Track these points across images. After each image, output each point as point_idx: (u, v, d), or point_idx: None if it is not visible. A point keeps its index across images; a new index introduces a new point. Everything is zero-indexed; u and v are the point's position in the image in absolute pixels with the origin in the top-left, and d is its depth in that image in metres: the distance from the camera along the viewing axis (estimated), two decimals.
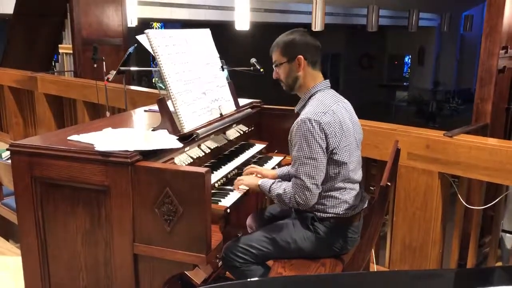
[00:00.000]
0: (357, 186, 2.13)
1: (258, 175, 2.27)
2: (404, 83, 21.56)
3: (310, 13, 9.41)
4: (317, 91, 2.09)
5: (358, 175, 2.13)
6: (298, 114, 2.10)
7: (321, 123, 1.95)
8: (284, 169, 2.36)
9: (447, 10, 15.53)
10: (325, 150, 1.97)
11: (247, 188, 2.14)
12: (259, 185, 2.12)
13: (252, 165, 2.35)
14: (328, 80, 2.14)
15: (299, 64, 2.07)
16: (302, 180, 1.96)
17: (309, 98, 2.09)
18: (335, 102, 2.07)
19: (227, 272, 2.60)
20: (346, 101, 2.15)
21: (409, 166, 2.79)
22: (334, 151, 1.99)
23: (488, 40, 3.59)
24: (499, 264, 3.36)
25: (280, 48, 2.11)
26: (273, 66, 2.15)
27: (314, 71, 2.10)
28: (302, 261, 2.10)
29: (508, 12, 3.56)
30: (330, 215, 2.06)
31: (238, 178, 2.18)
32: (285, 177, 2.30)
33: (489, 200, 2.83)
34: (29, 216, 1.95)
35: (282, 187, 2.04)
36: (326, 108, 2.00)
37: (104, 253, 1.88)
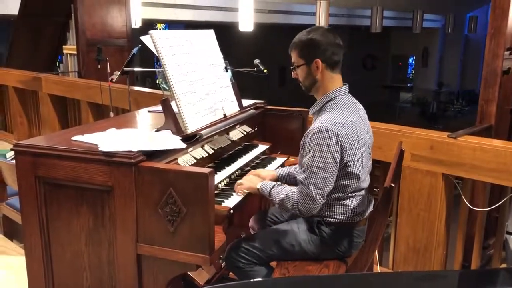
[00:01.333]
0: (364, 192, 2.11)
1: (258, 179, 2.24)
2: (408, 84, 21.51)
3: (314, 14, 9.41)
4: (336, 96, 2.01)
5: (366, 183, 2.11)
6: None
7: (339, 135, 1.89)
8: (284, 170, 2.32)
9: (451, 11, 15.48)
10: (338, 162, 1.91)
11: (247, 191, 2.11)
12: (258, 188, 2.08)
13: (251, 171, 2.31)
14: (347, 85, 2.06)
15: (317, 68, 1.99)
16: (309, 189, 1.91)
17: (327, 102, 2.02)
18: (353, 111, 2.00)
19: (230, 273, 2.60)
20: (361, 107, 2.09)
21: (413, 167, 2.78)
22: (348, 163, 1.94)
23: (492, 41, 3.58)
24: (504, 266, 3.35)
25: (298, 49, 2.02)
26: (291, 67, 2.08)
27: (333, 74, 2.02)
28: (305, 262, 2.10)
29: None
30: (337, 220, 2.05)
31: (238, 182, 2.12)
32: (285, 178, 2.28)
33: (494, 202, 2.82)
34: (33, 216, 1.96)
35: (284, 192, 1.99)
36: (345, 119, 1.93)
37: (108, 253, 1.89)
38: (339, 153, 1.91)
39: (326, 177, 1.91)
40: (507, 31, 3.53)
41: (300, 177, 1.97)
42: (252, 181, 2.12)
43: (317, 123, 1.95)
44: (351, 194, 2.04)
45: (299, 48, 2.02)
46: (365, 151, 2.02)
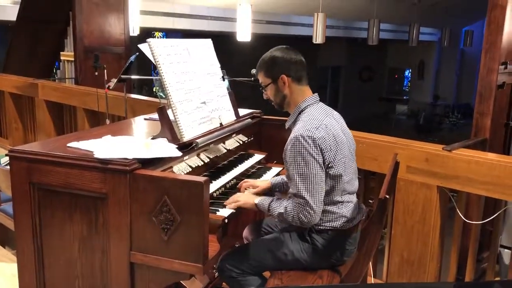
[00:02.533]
0: (354, 198, 2.12)
1: (251, 188, 2.25)
2: (404, 97, 21.62)
3: (311, 25, 9.47)
4: (307, 106, 2.07)
5: (354, 186, 2.13)
6: (289, 130, 2.09)
7: (315, 138, 1.93)
8: (278, 178, 2.35)
9: (447, 25, 15.62)
10: (321, 164, 1.95)
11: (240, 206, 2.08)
12: (256, 204, 2.08)
13: (244, 180, 2.33)
14: (316, 94, 2.13)
15: (284, 83, 2.06)
16: (304, 198, 1.93)
17: (299, 113, 2.08)
18: (326, 115, 2.05)
19: (223, 283, 2.58)
20: (335, 112, 2.14)
21: (408, 179, 2.78)
22: (330, 165, 1.97)
23: (487, 56, 3.61)
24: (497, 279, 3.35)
25: (263, 69, 2.10)
26: (260, 88, 2.14)
27: (301, 87, 2.09)
28: (299, 273, 2.09)
29: (507, 28, 3.59)
30: (328, 227, 2.05)
31: (233, 197, 2.10)
32: (279, 186, 2.30)
33: (488, 215, 2.83)
34: (26, 222, 1.94)
35: (283, 206, 2.00)
36: (318, 123, 1.98)
37: (101, 261, 1.88)
38: (320, 155, 1.94)
39: (316, 182, 1.93)
40: (502, 45, 3.56)
41: (292, 190, 1.99)
42: (249, 197, 2.13)
43: (292, 134, 1.99)
44: (339, 199, 2.04)
45: (264, 68, 2.10)
46: (345, 151, 2.04)
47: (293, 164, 1.95)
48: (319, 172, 1.94)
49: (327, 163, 1.97)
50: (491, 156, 2.70)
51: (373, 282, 2.94)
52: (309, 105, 2.07)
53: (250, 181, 2.29)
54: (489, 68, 3.57)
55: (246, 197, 2.12)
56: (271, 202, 2.05)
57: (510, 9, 3.55)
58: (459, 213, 2.78)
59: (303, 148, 1.92)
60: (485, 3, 3.56)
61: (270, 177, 2.53)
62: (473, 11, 14.86)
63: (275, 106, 2.16)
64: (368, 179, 3.18)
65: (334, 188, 2.02)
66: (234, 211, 2.05)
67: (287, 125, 2.15)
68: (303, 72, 2.10)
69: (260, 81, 2.13)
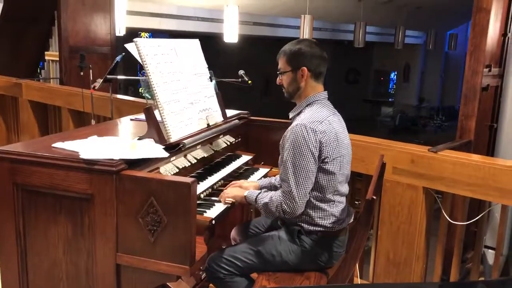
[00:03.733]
0: (344, 200, 2.14)
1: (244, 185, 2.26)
2: (390, 99, 21.80)
3: (298, 27, 9.51)
4: (315, 101, 2.09)
5: (345, 188, 2.14)
6: (289, 122, 2.10)
7: (317, 131, 1.95)
8: (266, 180, 2.37)
9: (432, 29, 15.81)
10: (316, 158, 1.97)
11: (232, 201, 2.13)
12: (245, 196, 2.11)
13: (233, 182, 2.32)
14: (326, 92, 2.15)
15: (302, 75, 2.07)
16: (289, 186, 1.96)
17: (306, 106, 2.09)
18: (331, 113, 2.08)
19: (210, 285, 2.57)
20: (339, 115, 2.16)
21: (394, 180, 2.80)
22: (326, 160, 1.99)
23: (472, 58, 3.66)
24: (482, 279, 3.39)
25: (286, 56, 2.10)
26: (278, 72, 2.14)
27: (316, 83, 2.11)
28: (286, 274, 2.09)
29: (491, 31, 3.64)
30: (318, 228, 2.06)
31: (224, 191, 2.15)
32: (268, 188, 2.31)
33: (472, 216, 2.86)
34: (10, 224, 1.91)
35: (269, 196, 2.04)
36: (323, 118, 2.01)
37: (86, 262, 1.85)
38: (317, 148, 1.96)
39: (305, 173, 1.95)
40: (486, 48, 3.61)
41: (281, 175, 2.01)
42: (238, 190, 2.17)
43: (295, 122, 2.02)
44: (331, 197, 2.05)
45: (287, 55, 2.10)
46: (343, 152, 2.05)
47: (289, 150, 1.97)
48: (311, 166, 1.96)
49: (323, 157, 1.98)
50: (476, 157, 2.73)
51: (359, 283, 2.95)
52: (317, 100, 2.09)
53: (239, 183, 2.29)
54: (474, 71, 3.62)
55: (236, 191, 2.16)
56: (258, 193, 2.09)
57: (494, 13, 3.60)
58: (445, 214, 2.81)
59: (302, 138, 1.94)
60: (470, 6, 3.60)
61: (257, 178, 2.53)
62: (457, 14, 15.06)
63: (285, 93, 2.16)
64: (355, 181, 3.19)
65: (327, 185, 2.03)
66: (222, 210, 2.04)
67: (291, 115, 2.16)
68: (323, 69, 2.11)
69: (279, 66, 2.13)
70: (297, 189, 1.95)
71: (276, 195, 2.02)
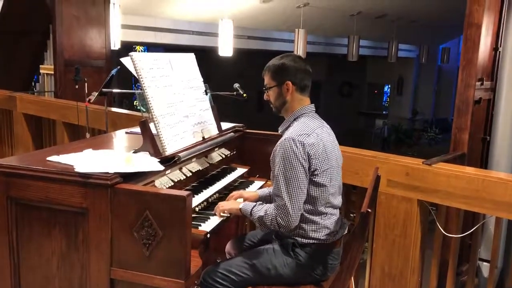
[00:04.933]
0: (337, 212, 2.14)
1: (239, 199, 2.26)
2: (384, 112, 21.93)
3: (292, 41, 9.59)
4: (302, 114, 2.12)
5: (338, 200, 2.15)
6: (280, 136, 2.13)
7: (305, 144, 1.97)
8: (266, 190, 2.38)
9: (425, 42, 15.99)
10: (307, 170, 1.98)
11: (229, 214, 2.13)
12: (240, 208, 2.11)
13: (233, 192, 2.34)
14: (313, 105, 2.18)
15: (288, 89, 2.11)
16: (283, 199, 1.96)
17: (294, 120, 2.12)
18: (319, 126, 2.10)
19: None
20: (328, 126, 2.19)
21: (389, 193, 2.81)
22: (315, 172, 2.00)
23: (464, 72, 3.70)
24: None
25: (270, 72, 2.15)
26: (264, 88, 2.18)
27: (302, 96, 2.14)
28: (281, 287, 2.08)
29: (483, 46, 3.69)
30: (311, 240, 2.06)
31: (218, 204, 2.15)
32: (267, 198, 2.31)
33: (467, 229, 2.87)
34: (3, 238, 1.89)
35: (264, 209, 2.04)
36: (310, 131, 2.03)
37: (80, 277, 1.83)
38: (307, 161, 1.98)
39: (298, 186, 1.96)
40: (478, 62, 3.65)
41: (274, 190, 2.03)
42: (233, 203, 2.18)
43: (283, 137, 2.04)
44: (323, 210, 2.06)
45: (272, 71, 2.15)
46: (332, 163, 2.07)
47: (279, 164, 1.99)
48: (303, 178, 1.97)
49: (312, 169, 2.00)
50: (470, 170, 2.75)
51: None
52: (304, 113, 2.12)
53: (239, 192, 2.31)
54: (466, 84, 3.65)
55: (231, 203, 2.17)
56: (253, 206, 2.09)
57: (486, 28, 3.65)
58: (439, 227, 2.81)
59: (291, 151, 1.96)
60: (462, 21, 3.65)
61: (253, 190, 2.52)
62: (450, 28, 15.25)
63: (273, 108, 2.20)
64: (350, 193, 3.20)
65: (319, 197, 2.04)
66: (217, 224, 2.04)
67: (280, 129, 2.19)
68: (308, 82, 2.15)
69: (264, 82, 2.18)
70: (291, 202, 1.96)
71: (270, 208, 2.02)
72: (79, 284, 1.84)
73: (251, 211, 2.07)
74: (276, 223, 1.98)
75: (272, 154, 2.08)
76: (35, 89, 6.43)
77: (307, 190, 2.01)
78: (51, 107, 4.88)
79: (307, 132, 2.02)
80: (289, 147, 1.97)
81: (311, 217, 2.05)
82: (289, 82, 2.10)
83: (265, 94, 2.19)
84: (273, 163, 2.07)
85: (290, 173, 1.96)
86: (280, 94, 2.13)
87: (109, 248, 1.76)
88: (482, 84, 3.75)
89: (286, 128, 2.13)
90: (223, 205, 2.14)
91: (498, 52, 3.93)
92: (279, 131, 2.20)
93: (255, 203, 2.13)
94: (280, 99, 2.14)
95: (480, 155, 4.08)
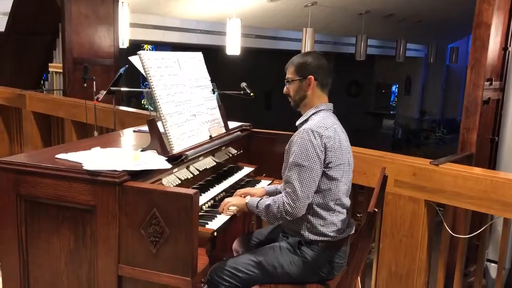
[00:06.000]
0: (345, 212, 2.15)
1: (247, 196, 2.27)
2: (391, 112, 21.84)
3: (300, 40, 9.57)
4: (321, 110, 2.15)
5: (347, 201, 2.16)
6: (289, 136, 2.14)
7: (323, 135, 2.01)
8: (273, 186, 2.39)
9: (433, 42, 15.90)
10: (322, 161, 2.01)
11: (235, 210, 2.14)
12: (246, 203, 2.13)
13: (240, 190, 2.36)
14: (332, 104, 2.21)
15: (309, 84, 2.14)
16: (293, 186, 1.98)
17: (312, 114, 2.15)
18: (336, 123, 2.14)
19: None
20: (343, 128, 2.21)
21: (396, 193, 2.80)
22: (329, 165, 2.03)
23: (473, 72, 3.67)
24: None
25: (294, 66, 2.19)
26: (285, 81, 2.21)
27: (321, 93, 2.18)
28: (288, 286, 2.09)
29: (492, 45, 3.66)
30: (318, 237, 2.06)
31: (226, 199, 2.17)
32: (274, 194, 2.33)
33: (475, 229, 2.85)
34: (12, 235, 1.91)
35: (271, 198, 2.07)
36: (329, 125, 2.07)
37: (88, 274, 1.85)
38: (323, 152, 2.01)
39: (310, 175, 1.99)
40: (487, 62, 3.63)
41: (285, 177, 2.05)
42: (239, 198, 2.20)
43: (301, 128, 2.07)
44: (332, 206, 2.07)
45: (296, 65, 2.19)
46: (345, 160, 2.10)
47: (295, 152, 2.02)
48: (316, 168, 2.00)
49: (327, 162, 2.03)
50: (477, 170, 2.73)
51: None
52: (323, 109, 2.16)
53: (245, 189, 2.33)
54: (475, 84, 3.63)
55: (237, 199, 2.20)
56: (260, 199, 2.12)
57: (495, 27, 3.63)
58: (446, 227, 2.80)
59: (309, 141, 2.00)
60: (471, 20, 3.63)
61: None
62: (458, 28, 15.15)
63: (291, 102, 2.23)
64: (357, 193, 3.19)
65: (330, 191, 2.06)
66: (224, 222, 2.05)
67: (297, 123, 2.22)
68: (329, 81, 2.20)
69: (287, 76, 2.21)
70: (301, 189, 1.99)
71: (278, 196, 2.06)
72: (87, 281, 1.86)
73: (257, 204, 2.10)
74: (283, 209, 2.00)
75: (288, 144, 2.12)
76: (44, 87, 6.47)
77: (319, 183, 2.03)
78: (59, 105, 4.91)
79: (326, 125, 2.06)
80: (307, 137, 2.01)
81: (320, 211, 2.06)
82: (312, 77, 2.14)
83: (285, 87, 2.22)
84: (287, 152, 2.10)
85: (304, 162, 1.99)
86: (301, 88, 2.16)
87: (116, 245, 1.77)
88: (491, 84, 3.72)
89: (305, 121, 2.16)
90: (229, 200, 2.16)
91: (507, 51, 3.90)
92: (296, 124, 2.22)
93: (261, 197, 2.17)
94: (301, 92, 2.17)
95: (489, 156, 4.05)
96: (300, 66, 2.17)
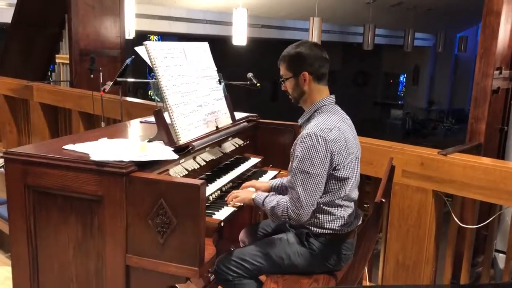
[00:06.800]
0: (353, 205, 2.13)
1: (251, 189, 2.26)
2: (399, 102, 21.71)
3: (307, 30, 9.51)
4: (323, 106, 2.08)
5: (355, 193, 2.13)
6: (300, 127, 2.10)
7: (327, 140, 1.94)
8: (277, 181, 2.36)
9: (442, 31, 15.73)
10: (327, 168, 1.95)
11: (241, 203, 2.13)
12: (253, 199, 2.11)
13: (245, 183, 2.34)
14: (333, 96, 2.13)
15: (305, 80, 2.06)
16: (297, 193, 1.95)
17: (314, 111, 2.08)
18: (340, 119, 2.06)
19: (219, 287, 2.57)
20: (348, 118, 2.14)
21: (404, 183, 2.79)
22: (337, 167, 1.98)
23: (482, 61, 3.63)
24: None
25: (286, 62, 2.10)
26: (280, 80, 2.15)
27: (320, 86, 2.09)
28: (295, 276, 2.09)
29: (502, 34, 3.61)
30: (326, 230, 2.05)
31: (232, 193, 2.15)
32: (279, 188, 2.31)
33: (483, 220, 2.84)
34: (21, 225, 1.93)
35: (276, 200, 2.03)
36: (332, 125, 1.99)
37: (96, 264, 1.86)
38: (328, 158, 1.95)
39: (314, 181, 1.94)
40: (496, 51, 3.58)
41: (290, 183, 2.01)
42: (247, 192, 2.17)
43: (305, 130, 2.00)
44: (340, 202, 2.05)
45: (287, 61, 2.10)
46: (352, 157, 2.05)
47: (299, 158, 1.96)
48: (322, 174, 1.95)
49: (334, 165, 1.97)
50: (486, 160, 2.71)
51: (368, 285, 2.94)
52: (325, 105, 2.08)
53: (251, 182, 2.31)
54: (484, 73, 3.59)
55: (244, 193, 2.16)
56: (266, 197, 2.08)
57: (505, 15, 3.58)
58: (454, 218, 2.79)
59: (312, 147, 1.93)
60: (480, 9, 3.58)
61: (265, 180, 2.53)
62: (467, 16, 14.97)
63: (292, 99, 2.16)
64: (364, 184, 3.18)
65: (338, 191, 2.02)
66: (231, 212, 2.05)
67: (300, 121, 2.16)
68: (325, 70, 2.09)
69: (280, 73, 2.14)
70: (305, 197, 1.94)
71: (283, 200, 2.01)
72: (95, 270, 1.87)
73: (263, 201, 2.07)
74: (286, 215, 1.97)
75: (292, 147, 2.05)
76: (51, 78, 6.49)
77: (327, 184, 1.99)
78: (66, 96, 4.93)
79: (329, 126, 1.97)
80: (311, 143, 1.93)
81: (328, 208, 2.04)
82: (306, 73, 2.05)
83: (282, 85, 2.15)
84: (292, 155, 2.04)
85: (308, 169, 1.93)
86: (297, 85, 2.09)
87: (124, 236, 1.78)
88: (500, 73, 3.68)
89: (307, 120, 2.10)
90: (236, 193, 2.14)
91: None
92: (299, 123, 2.18)
93: (268, 194, 2.12)
94: (298, 89, 2.09)
95: (497, 146, 4.02)
96: (292, 62, 2.08)
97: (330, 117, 2.03)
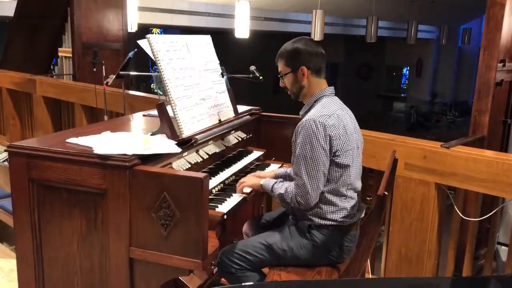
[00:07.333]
0: (356, 196, 2.14)
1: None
2: (402, 94, 21.64)
3: (310, 22, 9.46)
4: (322, 96, 2.12)
5: (358, 184, 2.15)
6: (297, 119, 2.13)
7: (326, 125, 1.98)
8: (282, 170, 2.41)
9: (445, 23, 15.63)
10: (327, 152, 1.99)
11: (249, 190, 2.17)
12: (261, 184, 2.15)
13: (251, 174, 2.37)
14: (332, 87, 2.17)
15: (303, 74, 2.10)
16: (302, 179, 1.99)
17: (314, 102, 2.12)
18: (340, 108, 2.10)
19: (222, 279, 2.59)
20: (348, 109, 2.18)
21: (406, 176, 2.79)
22: (337, 153, 2.01)
23: (486, 53, 3.62)
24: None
25: (284, 58, 2.14)
26: (279, 76, 2.17)
27: (318, 79, 2.13)
28: (298, 269, 2.10)
29: (506, 26, 3.59)
30: (328, 222, 2.06)
31: (240, 181, 2.20)
32: (284, 176, 2.34)
33: (485, 212, 2.84)
34: (25, 219, 1.94)
35: (284, 187, 2.08)
36: (331, 112, 2.04)
37: (100, 257, 1.88)
38: (328, 143, 1.99)
39: (317, 167, 1.98)
40: (500, 43, 3.56)
41: (294, 169, 2.05)
42: (255, 179, 2.23)
43: (304, 118, 2.05)
44: (344, 192, 2.07)
45: (285, 57, 2.14)
46: (353, 145, 2.08)
47: (300, 144, 2.01)
48: (323, 159, 1.98)
49: (334, 150, 2.01)
50: (489, 153, 2.71)
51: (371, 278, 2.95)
52: (324, 95, 2.12)
53: (256, 173, 2.36)
54: (488, 66, 3.58)
55: (252, 179, 2.22)
56: (274, 183, 2.13)
57: (509, 7, 3.55)
58: (457, 210, 2.79)
59: (312, 133, 1.97)
60: (484, 0, 3.56)
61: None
62: (471, 8, 14.87)
63: (291, 95, 2.19)
64: (367, 177, 3.18)
65: (341, 178, 2.05)
66: (234, 205, 2.06)
67: (301, 113, 2.19)
68: (322, 64, 2.14)
69: (279, 69, 2.17)
70: (310, 182, 1.98)
71: (290, 187, 2.05)
72: (99, 263, 1.89)
73: (272, 187, 2.12)
74: (295, 201, 2.02)
75: (294, 135, 2.09)
76: (54, 72, 6.50)
77: (329, 171, 2.03)
78: (69, 90, 4.94)
79: (328, 113, 2.02)
80: (310, 128, 1.98)
81: (331, 197, 2.06)
82: (304, 67, 2.09)
83: (280, 81, 2.18)
84: (294, 143, 2.09)
85: (310, 154, 1.98)
86: (296, 80, 2.13)
87: (128, 228, 1.79)
88: (504, 65, 3.66)
89: (308, 111, 2.13)
90: (245, 180, 2.19)
91: None
92: (300, 114, 2.20)
93: (276, 180, 2.17)
94: (297, 84, 2.13)
95: (501, 138, 4.01)
96: (289, 57, 2.11)
97: (330, 105, 2.08)
